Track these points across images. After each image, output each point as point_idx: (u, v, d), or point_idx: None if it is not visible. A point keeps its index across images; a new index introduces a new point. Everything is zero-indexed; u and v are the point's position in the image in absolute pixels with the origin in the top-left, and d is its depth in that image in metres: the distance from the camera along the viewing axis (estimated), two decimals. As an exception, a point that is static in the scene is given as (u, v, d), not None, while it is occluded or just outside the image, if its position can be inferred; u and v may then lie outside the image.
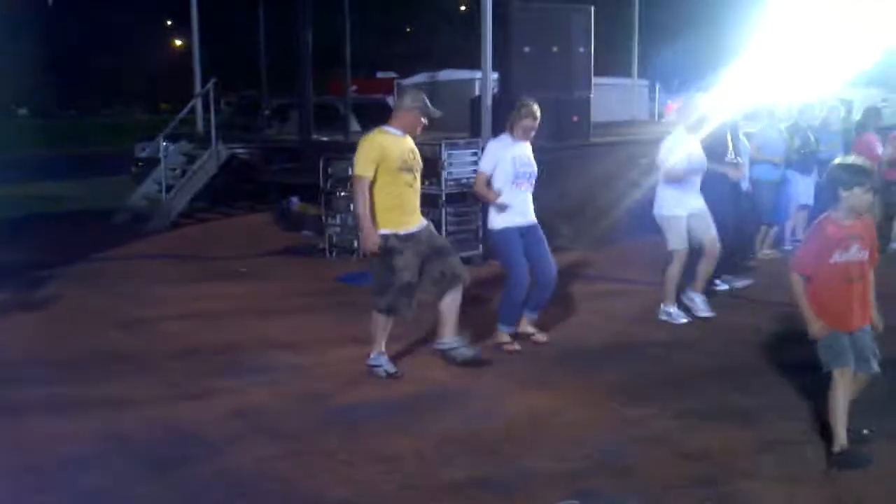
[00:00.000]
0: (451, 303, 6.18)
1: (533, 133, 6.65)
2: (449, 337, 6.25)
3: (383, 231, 5.92)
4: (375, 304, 6.08)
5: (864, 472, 4.44)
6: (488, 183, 6.58)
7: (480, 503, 4.31)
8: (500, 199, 6.50)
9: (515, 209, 6.57)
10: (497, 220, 6.59)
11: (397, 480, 4.53)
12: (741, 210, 8.47)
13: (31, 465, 4.75)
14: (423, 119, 6.09)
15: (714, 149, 7.93)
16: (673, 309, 7.32)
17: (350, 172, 9.86)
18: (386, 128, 6.08)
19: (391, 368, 6.11)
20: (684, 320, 7.28)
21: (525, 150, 6.68)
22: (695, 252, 7.30)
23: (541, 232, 6.73)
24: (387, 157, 5.91)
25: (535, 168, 6.68)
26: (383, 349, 6.16)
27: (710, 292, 7.63)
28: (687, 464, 4.64)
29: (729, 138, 8.14)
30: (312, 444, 5.01)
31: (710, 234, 7.25)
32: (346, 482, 4.53)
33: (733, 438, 4.94)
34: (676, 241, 7.21)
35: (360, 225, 5.98)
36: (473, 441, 4.99)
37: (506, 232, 6.57)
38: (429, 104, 6.12)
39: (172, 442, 5.05)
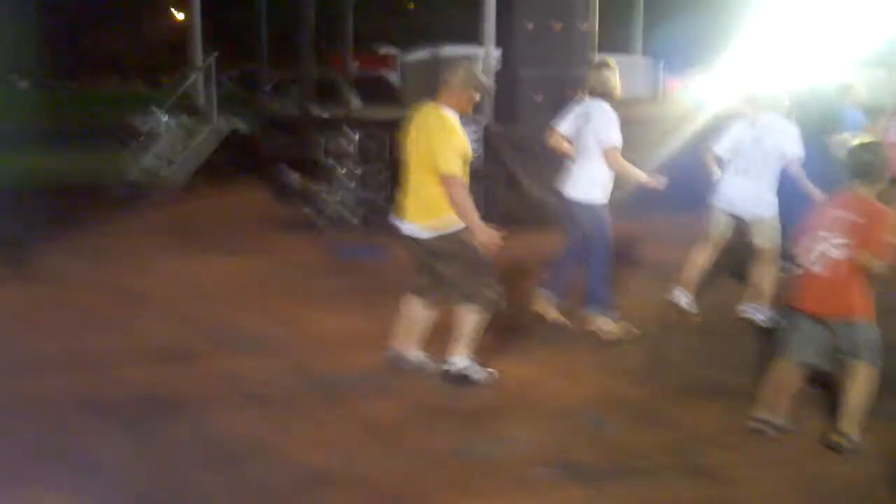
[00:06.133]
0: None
1: None
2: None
3: (462, 226, 5.20)
4: (482, 300, 5.20)
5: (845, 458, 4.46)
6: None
7: (460, 469, 4.36)
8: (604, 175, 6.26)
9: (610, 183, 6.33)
10: (602, 195, 6.28)
11: (377, 445, 4.58)
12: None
13: (8, 427, 4.77)
14: (476, 96, 5.27)
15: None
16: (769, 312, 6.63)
17: (369, 146, 9.89)
18: (444, 108, 5.18)
19: (487, 369, 5.46)
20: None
21: None
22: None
23: None
24: (466, 145, 5.25)
25: None
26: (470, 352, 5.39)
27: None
28: (670, 435, 4.69)
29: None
30: (296, 409, 5.05)
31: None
32: (325, 445, 4.58)
33: (721, 416, 4.96)
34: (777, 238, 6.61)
35: (476, 226, 5.10)
36: (459, 410, 5.04)
37: (606, 207, 6.31)
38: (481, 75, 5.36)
39: (152, 404, 5.07)
